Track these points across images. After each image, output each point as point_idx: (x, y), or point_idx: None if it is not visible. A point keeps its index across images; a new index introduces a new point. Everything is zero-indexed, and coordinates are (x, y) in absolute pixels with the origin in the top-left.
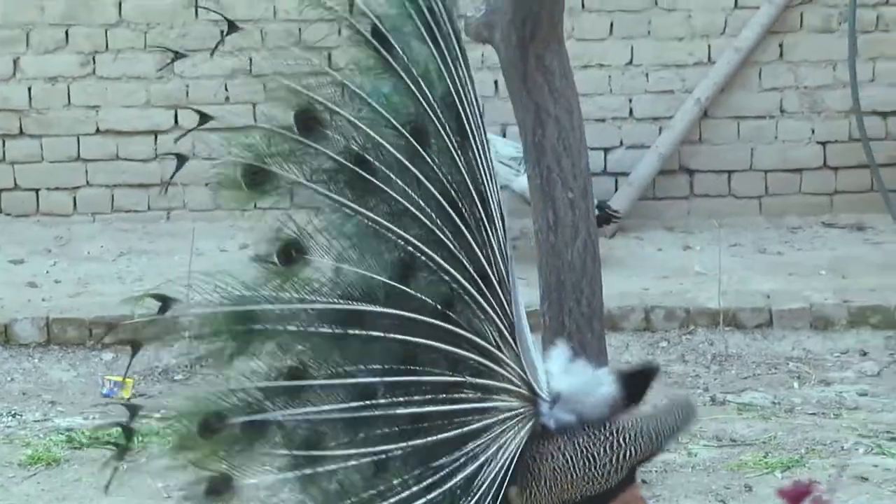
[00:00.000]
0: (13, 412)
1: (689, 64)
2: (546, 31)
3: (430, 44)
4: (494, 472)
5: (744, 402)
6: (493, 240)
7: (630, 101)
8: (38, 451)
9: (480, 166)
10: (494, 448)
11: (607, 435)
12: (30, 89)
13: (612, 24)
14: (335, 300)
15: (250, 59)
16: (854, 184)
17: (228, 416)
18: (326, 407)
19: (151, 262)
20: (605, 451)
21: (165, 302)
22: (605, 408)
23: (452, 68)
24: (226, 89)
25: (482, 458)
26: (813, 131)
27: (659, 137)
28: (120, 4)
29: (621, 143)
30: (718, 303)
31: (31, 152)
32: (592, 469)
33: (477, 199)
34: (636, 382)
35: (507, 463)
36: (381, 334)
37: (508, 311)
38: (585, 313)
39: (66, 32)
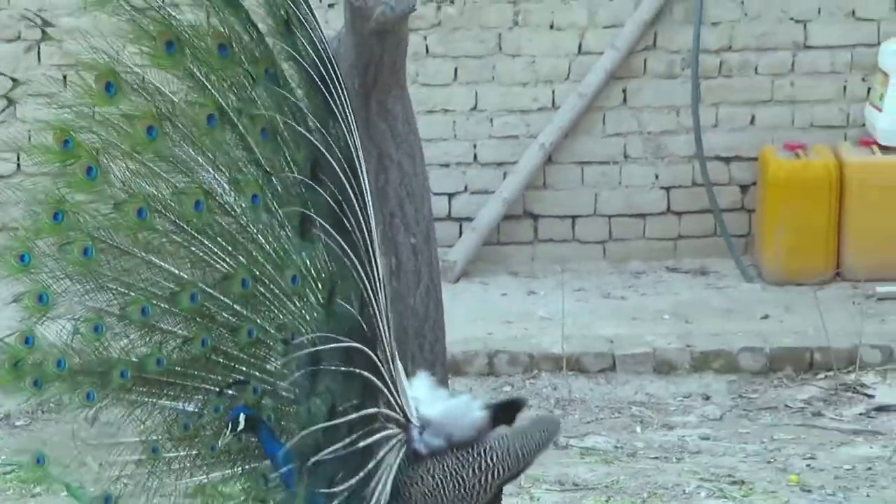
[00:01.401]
0: None
1: (533, 109)
2: (388, 76)
3: (338, 90)
4: (384, 498)
5: (587, 447)
6: (379, 270)
7: (475, 146)
8: None
9: (367, 199)
10: (386, 475)
11: (475, 455)
12: None
13: (456, 70)
14: (344, 338)
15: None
16: (697, 229)
17: None
18: (340, 444)
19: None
20: (473, 472)
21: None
22: (473, 431)
23: (350, 110)
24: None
25: (380, 486)
26: (657, 176)
27: (503, 182)
28: None
29: (466, 188)
30: (562, 348)
31: None
32: (462, 490)
33: (371, 232)
34: (503, 414)
35: (388, 489)
36: (359, 371)
37: (391, 339)
38: (428, 359)
39: None
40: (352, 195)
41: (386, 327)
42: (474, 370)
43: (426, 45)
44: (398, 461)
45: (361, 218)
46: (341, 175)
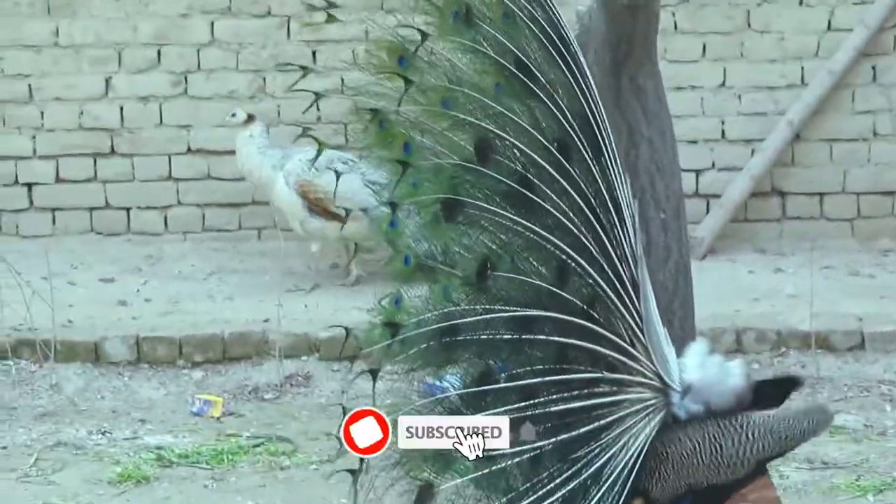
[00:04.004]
0: (103, 430)
1: (781, 86)
2: (640, 51)
3: (563, 68)
4: (624, 461)
5: (836, 425)
6: (625, 241)
7: (722, 122)
8: (128, 469)
9: (612, 174)
10: (625, 438)
11: (736, 427)
12: (122, 108)
13: (704, 46)
14: (515, 308)
15: (342, 79)
16: None
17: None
18: (501, 409)
19: (242, 281)
20: (732, 443)
21: (395, 328)
22: (731, 398)
23: (584, 87)
24: (318, 108)
25: (612, 449)
26: None
27: (751, 159)
28: (212, 24)
29: (713, 164)
30: (810, 325)
31: (123, 171)
32: (718, 458)
33: (611, 204)
34: (777, 391)
35: (637, 452)
36: (544, 337)
37: (639, 308)
38: (678, 335)
39: (159, 52)
40: (553, 172)
41: (631, 296)
42: (722, 347)
43: (674, 22)
44: (653, 423)
45: (579, 194)
46: (532, 154)
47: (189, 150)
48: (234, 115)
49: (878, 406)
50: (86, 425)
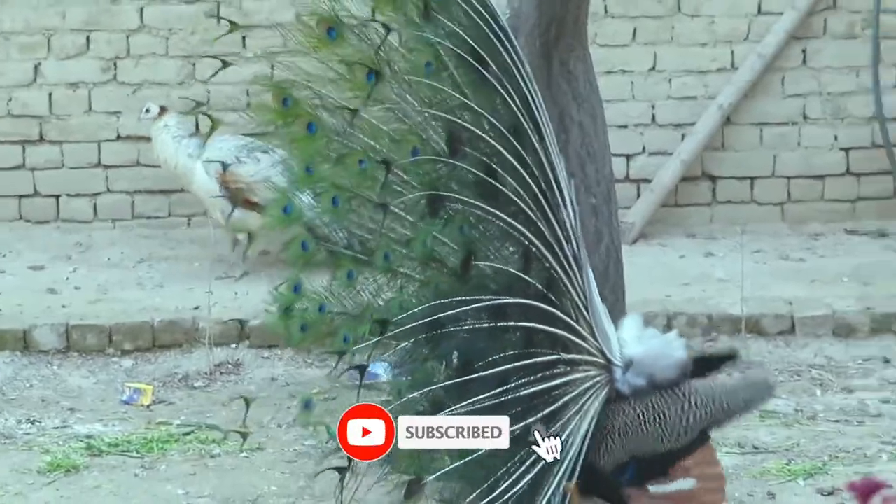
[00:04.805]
0: (32, 419)
1: (711, 70)
2: (570, 35)
3: (506, 55)
4: (579, 438)
5: (766, 410)
6: (566, 221)
7: (653, 107)
8: (58, 458)
9: (551, 155)
10: (578, 417)
11: (678, 396)
12: (50, 95)
13: (635, 30)
14: (491, 297)
15: (272, 66)
16: (877, 190)
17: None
18: (482, 396)
19: (172, 269)
20: (675, 411)
21: (384, 326)
22: (675, 371)
23: (524, 73)
24: (247, 94)
25: (569, 428)
26: (836, 138)
27: (681, 144)
28: (142, 10)
29: (644, 149)
30: (741, 309)
31: (52, 158)
32: (662, 426)
33: (555, 186)
34: (713, 365)
35: (587, 429)
36: (514, 323)
37: (583, 286)
38: None
39: (88, 38)
40: (512, 159)
41: (576, 275)
42: None
43: (605, 6)
44: (599, 400)
45: (532, 178)
46: (494, 142)
47: (119, 136)
48: (147, 110)
49: (809, 390)
50: (14, 414)
